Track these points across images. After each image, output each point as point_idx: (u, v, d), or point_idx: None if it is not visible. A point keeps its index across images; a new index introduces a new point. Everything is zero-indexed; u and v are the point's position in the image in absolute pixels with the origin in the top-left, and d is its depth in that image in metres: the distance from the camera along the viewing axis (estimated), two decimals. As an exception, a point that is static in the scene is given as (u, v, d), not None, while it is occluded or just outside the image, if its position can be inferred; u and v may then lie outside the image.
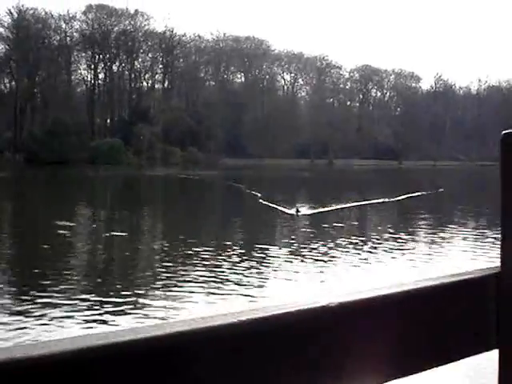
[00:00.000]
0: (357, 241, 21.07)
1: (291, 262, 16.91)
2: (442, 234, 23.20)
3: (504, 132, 1.23)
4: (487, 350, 1.25)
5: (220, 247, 19.22)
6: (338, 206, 32.31)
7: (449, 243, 21.04)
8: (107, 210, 35.49)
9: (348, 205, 33.34)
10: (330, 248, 19.26)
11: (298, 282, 14.19)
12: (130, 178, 66.45)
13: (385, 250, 19.06)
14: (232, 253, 18.07)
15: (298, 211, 28.75)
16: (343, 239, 21.47)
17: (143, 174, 69.46)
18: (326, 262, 16.94)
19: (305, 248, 19.21)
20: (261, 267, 15.92)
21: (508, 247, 1.23)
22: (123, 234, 23.07)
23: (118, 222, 28.79)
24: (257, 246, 19.63)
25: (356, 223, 28.62)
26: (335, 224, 26.29)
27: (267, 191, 41.68)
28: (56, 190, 49.37)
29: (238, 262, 16.47)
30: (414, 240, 21.76)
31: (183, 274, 14.80)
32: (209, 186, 56.14)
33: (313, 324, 0.94)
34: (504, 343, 1.25)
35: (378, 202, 36.17)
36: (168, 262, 16.79)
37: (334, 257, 17.76)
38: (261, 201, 34.63)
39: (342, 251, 18.82)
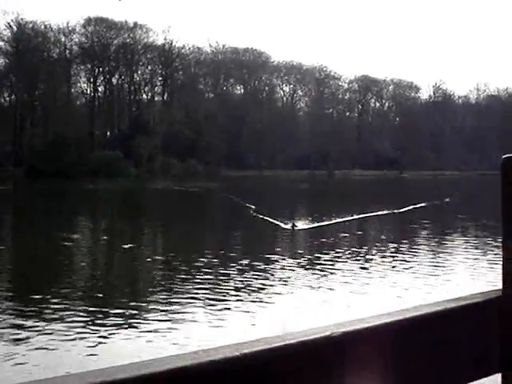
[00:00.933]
0: (356, 258, 20.08)
1: (282, 281, 16.15)
2: (451, 247, 22.63)
3: (504, 156, 1.24)
4: (490, 374, 1.25)
5: (207, 264, 18.65)
6: (339, 220, 30.89)
7: (459, 257, 20.53)
8: (106, 222, 35.83)
9: (349, 218, 31.86)
10: (325, 267, 18.20)
11: (287, 303, 13.70)
12: (129, 190, 66.53)
13: (390, 267, 18.35)
14: (215, 270, 17.58)
15: (294, 226, 27.32)
16: (340, 256, 20.33)
17: (141, 186, 69.43)
18: (319, 280, 16.25)
19: (297, 267, 18.22)
20: (245, 290, 15.02)
21: (509, 270, 1.23)
22: (130, 245, 23.25)
23: (115, 234, 28.90)
24: (244, 263, 18.78)
25: (356, 238, 27.03)
26: (333, 239, 25.02)
27: (264, 204, 40.90)
28: (57, 203, 49.52)
29: (224, 280, 16.03)
30: (419, 255, 20.98)
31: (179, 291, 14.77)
32: (204, 199, 55.82)
33: (318, 354, 0.93)
34: (507, 367, 1.24)
35: (382, 214, 34.82)
36: (163, 276, 16.80)
37: (328, 276, 16.91)
38: (255, 214, 33.28)
39: (339, 270, 17.84)
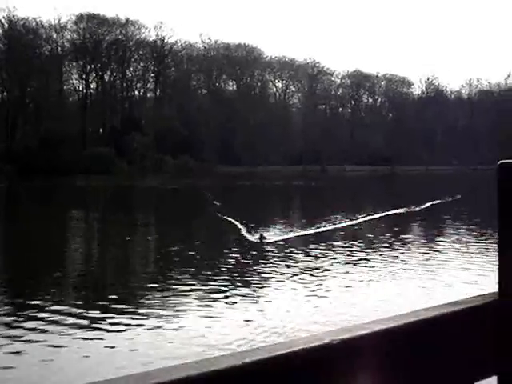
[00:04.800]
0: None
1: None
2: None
3: (500, 162, 1.27)
4: (486, 376, 1.27)
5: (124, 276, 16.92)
6: (336, 225, 25.65)
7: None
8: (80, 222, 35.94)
9: (342, 224, 26.38)
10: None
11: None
12: (116, 187, 66.02)
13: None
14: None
15: (262, 237, 21.98)
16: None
17: (130, 184, 68.32)
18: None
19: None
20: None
21: (505, 274, 1.25)
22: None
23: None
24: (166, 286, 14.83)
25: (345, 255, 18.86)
26: (314, 263, 17.27)
27: (242, 205, 38.40)
28: (49, 200, 49.54)
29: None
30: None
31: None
32: (179, 198, 52.94)
33: (316, 362, 0.95)
34: (502, 369, 1.27)
35: (395, 214, 30.97)
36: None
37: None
38: (222, 217, 28.92)
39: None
